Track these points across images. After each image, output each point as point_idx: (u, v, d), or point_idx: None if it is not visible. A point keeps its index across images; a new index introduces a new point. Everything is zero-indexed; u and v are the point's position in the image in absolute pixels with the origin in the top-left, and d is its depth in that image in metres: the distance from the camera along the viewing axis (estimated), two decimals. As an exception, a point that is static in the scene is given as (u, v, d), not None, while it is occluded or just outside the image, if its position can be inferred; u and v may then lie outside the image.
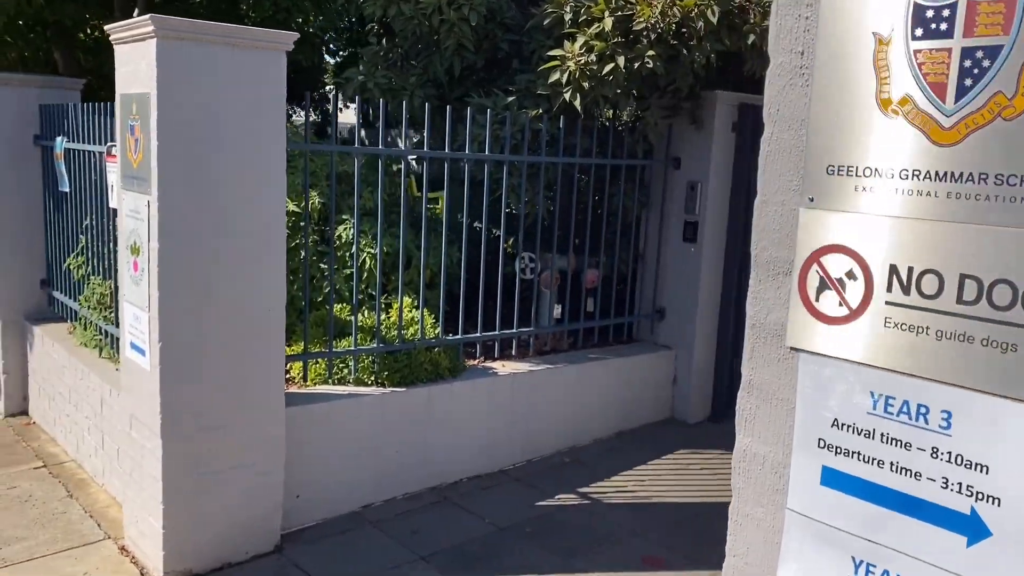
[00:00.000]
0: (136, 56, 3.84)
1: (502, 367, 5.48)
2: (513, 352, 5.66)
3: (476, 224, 5.36)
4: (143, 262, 3.91)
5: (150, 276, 3.86)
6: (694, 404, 6.32)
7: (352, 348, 4.80)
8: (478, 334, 5.41)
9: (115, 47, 4.06)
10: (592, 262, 6.08)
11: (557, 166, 5.62)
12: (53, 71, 8.25)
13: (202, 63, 3.76)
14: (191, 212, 3.83)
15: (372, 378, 4.88)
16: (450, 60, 5.65)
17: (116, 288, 5.24)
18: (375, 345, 4.88)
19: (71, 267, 5.91)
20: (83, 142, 5.68)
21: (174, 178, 3.77)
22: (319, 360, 4.80)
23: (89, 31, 8.72)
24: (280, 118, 4.04)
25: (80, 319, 5.89)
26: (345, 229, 5.50)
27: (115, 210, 5.08)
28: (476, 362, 5.53)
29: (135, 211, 3.97)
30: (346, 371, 4.90)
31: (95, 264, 5.66)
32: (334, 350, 4.76)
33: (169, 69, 3.68)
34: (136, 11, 8.36)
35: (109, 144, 5.06)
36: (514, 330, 5.63)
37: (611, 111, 6.02)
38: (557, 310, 6.02)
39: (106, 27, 4.07)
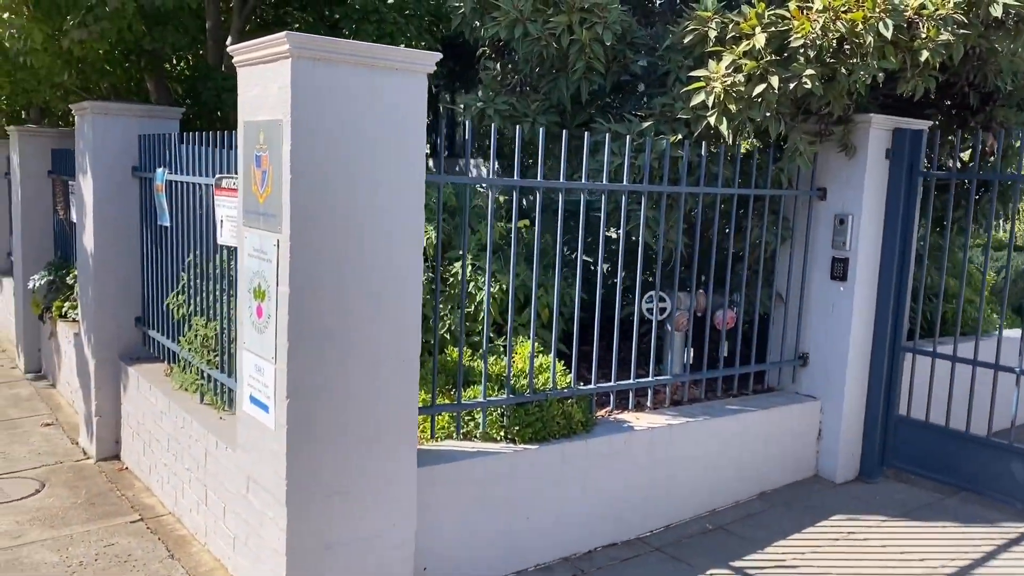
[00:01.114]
0: (266, 79, 3.45)
1: (636, 420, 4.95)
2: (649, 403, 5.12)
3: (579, 257, 4.86)
4: (269, 307, 3.50)
5: (277, 323, 3.44)
6: (842, 461, 5.68)
7: (482, 399, 4.32)
8: (612, 383, 4.89)
9: (240, 70, 3.69)
10: (726, 301, 5.53)
11: (698, 197, 5.10)
12: (144, 101, 8.06)
13: (338, 87, 3.36)
14: (324, 252, 3.41)
15: (501, 432, 4.39)
16: (577, 84, 5.20)
17: (222, 330, 4.87)
18: (505, 396, 4.39)
19: (171, 306, 5.57)
20: (187, 174, 5.36)
21: (308, 214, 3.35)
22: (443, 413, 4.33)
23: (181, 59, 8.52)
24: (420, 149, 3.61)
25: (179, 361, 5.54)
26: (462, 266, 5.05)
27: (224, 247, 4.72)
28: (605, 412, 5.01)
29: (260, 251, 3.56)
30: (471, 424, 4.43)
31: (197, 303, 5.31)
32: (463, 402, 4.29)
33: (304, 93, 3.28)
34: (229, 39, 8.14)
35: (218, 176, 4.71)
36: (650, 378, 5.10)
37: (747, 137, 5.48)
38: (688, 355, 5.47)
39: (231, 48, 3.71)
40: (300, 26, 7.49)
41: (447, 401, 4.34)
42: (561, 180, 4.45)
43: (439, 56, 3.60)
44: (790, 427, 5.59)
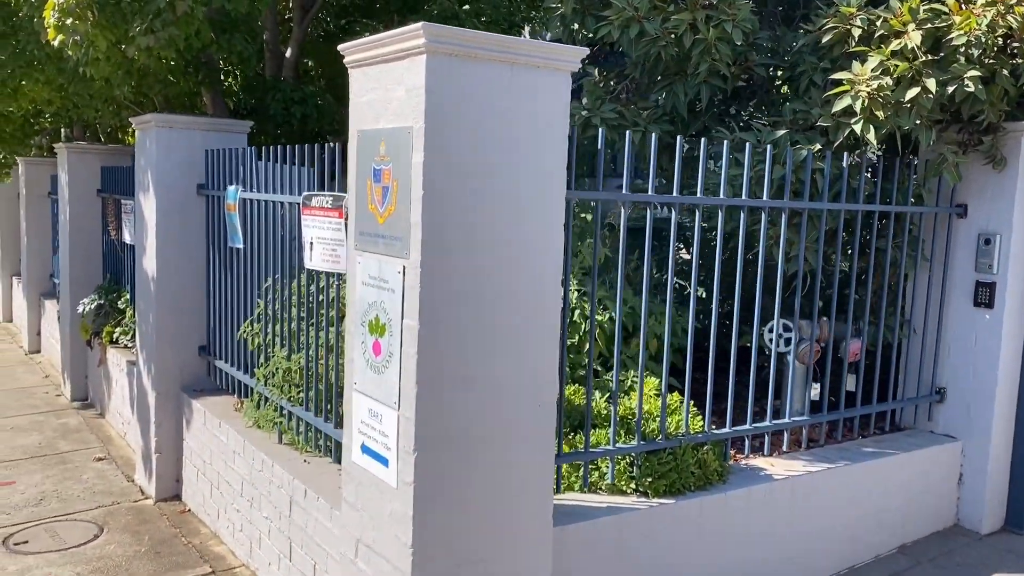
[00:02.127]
0: (389, 80, 2.96)
1: (771, 466, 4.39)
2: (784, 447, 4.56)
3: (694, 281, 4.28)
4: (390, 344, 2.99)
5: (403, 363, 2.93)
6: (988, 510, 5.07)
7: (610, 446, 3.78)
8: (748, 425, 4.33)
9: (352, 72, 3.20)
10: (852, 331, 4.96)
11: (839, 214, 4.56)
12: (201, 115, 7.65)
13: (475, 87, 2.87)
14: (459, 281, 2.91)
15: (632, 484, 3.85)
16: (697, 88, 4.68)
17: (307, 363, 4.38)
18: (635, 443, 3.86)
19: (245, 336, 5.09)
20: (266, 191, 4.90)
21: (441, 237, 2.85)
22: (568, 463, 3.80)
23: (233, 73, 8.11)
24: (562, 159, 3.11)
25: (253, 396, 5.06)
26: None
27: (315, 272, 4.24)
28: (735, 457, 4.46)
29: (379, 279, 3.07)
30: (595, 475, 3.89)
31: (276, 333, 4.82)
32: (591, 449, 3.75)
33: (439, 95, 2.79)
34: (289, 51, 7.72)
35: (307, 194, 4.24)
36: (786, 419, 4.55)
37: (882, 147, 4.94)
38: (814, 391, 4.90)
39: (342, 46, 3.23)
40: (369, 35, 7.05)
41: (568, 449, 3.80)
42: (699, 195, 3.93)
43: (586, 51, 3.09)
44: (929, 471, 5.00)
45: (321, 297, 4.33)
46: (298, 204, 4.45)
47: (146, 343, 5.96)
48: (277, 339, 4.83)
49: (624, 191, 3.68)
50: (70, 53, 5.12)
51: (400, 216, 2.92)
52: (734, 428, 4.24)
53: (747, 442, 4.38)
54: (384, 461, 3.06)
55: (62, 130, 11.84)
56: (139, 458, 6.22)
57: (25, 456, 6.85)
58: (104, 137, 10.84)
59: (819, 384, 4.95)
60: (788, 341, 4.75)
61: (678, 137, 3.81)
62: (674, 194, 3.83)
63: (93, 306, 7.85)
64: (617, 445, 3.82)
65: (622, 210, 3.72)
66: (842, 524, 4.54)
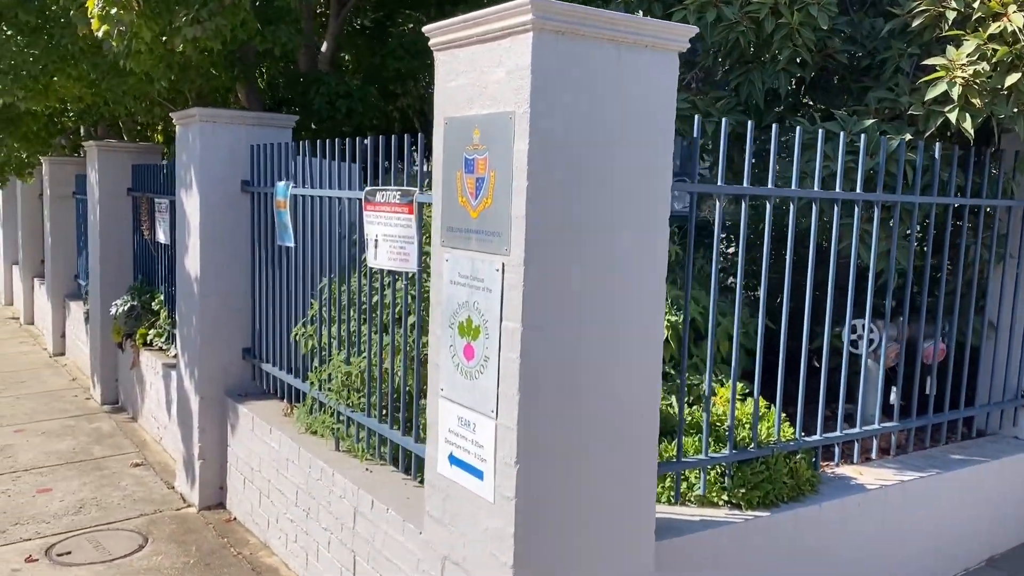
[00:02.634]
0: (485, 62, 2.74)
1: (860, 475, 4.14)
2: (873, 455, 4.31)
3: (764, 278, 4.00)
4: (486, 347, 2.77)
5: (501, 368, 2.70)
6: (1080, 519, 4.82)
7: (703, 456, 3.55)
8: (838, 432, 4.09)
9: (439, 55, 2.98)
10: (930, 331, 4.71)
11: (931, 207, 4.32)
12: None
13: (581, 68, 2.64)
14: (563, 278, 2.69)
15: (723, 496, 3.62)
16: (775, 77, 4.44)
17: (370, 366, 4.16)
18: (727, 451, 3.62)
19: (298, 338, 4.88)
20: (320, 187, 4.68)
21: (547, 232, 2.63)
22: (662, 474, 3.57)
23: (273, 65, 7.88)
24: (669, 148, 2.88)
25: (306, 400, 4.84)
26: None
27: (381, 271, 4.02)
28: (822, 466, 4.21)
29: (472, 277, 2.84)
30: (684, 486, 3.66)
31: (332, 335, 4.61)
32: (683, 459, 3.52)
33: (546, 76, 2.57)
34: (325, 44, 7.51)
35: (370, 188, 4.02)
36: (875, 426, 4.31)
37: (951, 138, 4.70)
38: (894, 395, 4.65)
39: (427, 27, 3.00)
40: (412, 26, 6.81)
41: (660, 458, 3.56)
42: (793, 187, 3.69)
43: (695, 30, 2.86)
44: (1017, 479, 4.75)
45: (386, 298, 4.11)
46: (358, 200, 4.24)
47: (188, 346, 5.75)
48: (333, 341, 4.62)
49: (720, 183, 3.44)
50: (113, 44, 4.91)
51: (498, 209, 2.70)
52: (824, 435, 3.99)
53: (837, 449, 4.14)
54: (478, 474, 2.84)
55: (81, 129, 11.68)
56: (180, 465, 6.02)
57: (60, 462, 6.66)
58: (127, 135, 10.65)
59: (895, 387, 4.70)
60: (867, 342, 4.51)
61: (773, 127, 3.57)
62: (769, 186, 3.59)
63: (126, 308, 7.66)
64: (711, 454, 3.58)
65: (717, 202, 3.48)
66: (931, 536, 4.30)
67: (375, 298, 4.22)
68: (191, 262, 5.62)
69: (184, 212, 5.73)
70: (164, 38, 5.20)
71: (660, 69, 2.80)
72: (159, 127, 9.04)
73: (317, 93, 6.14)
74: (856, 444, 4.22)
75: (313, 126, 6.12)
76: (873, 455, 4.35)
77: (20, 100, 7.35)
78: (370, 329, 4.19)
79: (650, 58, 2.77)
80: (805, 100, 4.80)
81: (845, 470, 4.19)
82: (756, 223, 5.09)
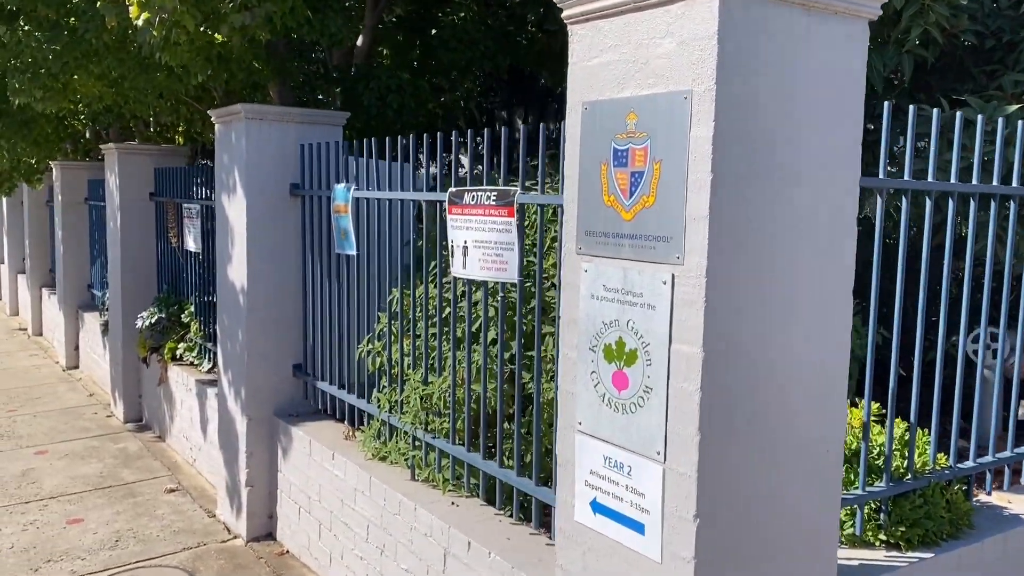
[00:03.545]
0: (646, 33, 2.28)
1: (1008, 504, 3.69)
2: (1007, 480, 3.85)
3: (874, 281, 3.49)
4: (646, 376, 2.31)
5: (671, 402, 2.25)
6: None
7: (861, 491, 3.09)
8: (990, 457, 3.63)
9: (577, 28, 2.53)
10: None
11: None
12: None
13: (769, 37, 2.19)
14: (745, 291, 2.23)
15: (880, 535, 3.16)
16: (898, 59, 3.98)
17: (455, 386, 3.71)
18: (884, 485, 3.16)
19: (363, 355, 4.41)
20: (386, 189, 4.23)
21: (732, 235, 2.17)
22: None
23: (310, 58, 7.40)
24: (857, 134, 2.42)
25: (373, 423, 4.39)
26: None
27: (470, 281, 3.56)
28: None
29: (623, 291, 2.38)
30: (828, 521, 3.19)
31: (407, 351, 4.15)
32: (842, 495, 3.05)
33: (731, 47, 2.11)
34: (361, 38, 7.04)
35: (455, 189, 3.57)
36: (1025, 448, 3.85)
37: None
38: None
39: (561, -3, 2.55)
40: (464, 16, 6.33)
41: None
42: (952, 180, 3.23)
43: (887, -5, 2.41)
44: None
45: (476, 311, 3.65)
46: (439, 202, 3.78)
47: (232, 363, 5.29)
48: (406, 359, 4.16)
49: (881, 175, 2.98)
50: (153, 33, 4.45)
51: (665, 209, 2.24)
52: (977, 461, 3.54)
53: (989, 476, 3.68)
54: (636, 526, 2.38)
55: (87, 133, 11.20)
56: (222, 491, 5.56)
57: (88, 488, 6.20)
58: (139, 138, 10.18)
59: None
60: (996, 353, 4.06)
61: (911, 108, 3.10)
62: (930, 180, 3.13)
63: (153, 320, 7.20)
64: (868, 489, 3.12)
65: (879, 199, 3.02)
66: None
67: (456, 310, 3.76)
68: (236, 272, 5.16)
69: (226, 218, 5.27)
70: (204, 28, 4.74)
71: (851, 41, 2.34)
72: (180, 128, 8.55)
73: (367, 88, 5.68)
74: (1007, 469, 3.76)
75: (371, 123, 5.66)
76: (1007, 480, 3.89)
77: (38, 101, 6.87)
78: (453, 345, 3.73)
79: (840, 28, 2.32)
80: (924, 83, 4.34)
81: (993, 498, 3.73)
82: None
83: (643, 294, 2.32)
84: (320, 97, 7.10)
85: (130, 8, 4.40)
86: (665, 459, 2.27)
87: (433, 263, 3.97)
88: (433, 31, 6.30)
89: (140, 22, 4.38)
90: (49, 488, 6.20)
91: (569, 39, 2.56)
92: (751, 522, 2.30)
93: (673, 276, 2.23)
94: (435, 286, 3.91)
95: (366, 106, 5.62)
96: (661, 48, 2.23)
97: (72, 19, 6.29)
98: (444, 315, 3.87)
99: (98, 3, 5.34)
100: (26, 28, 6.52)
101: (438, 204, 3.82)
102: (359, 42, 7.19)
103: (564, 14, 2.55)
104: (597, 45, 2.45)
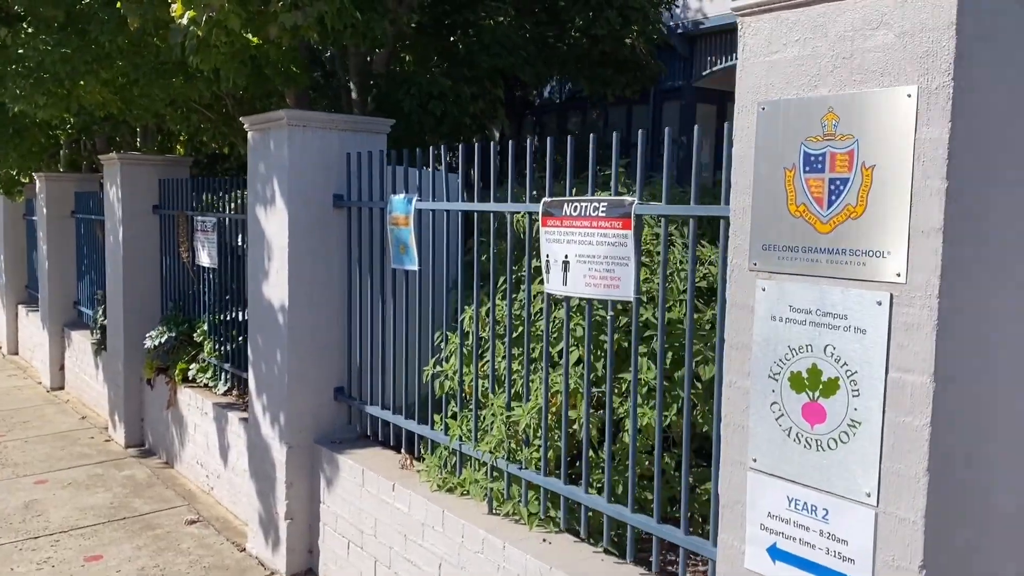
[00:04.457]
0: (852, 22, 2.04)
1: None
2: None
3: None
4: (852, 409, 2.05)
5: (886, 438, 1.99)
6: None
7: None
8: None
9: (752, 20, 2.27)
10: None
11: None
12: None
13: (1006, 25, 1.96)
14: (978, 311, 1.99)
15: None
16: None
17: (546, 414, 3.43)
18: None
19: (429, 378, 4.11)
20: (458, 200, 3.95)
21: (964, 247, 1.93)
22: None
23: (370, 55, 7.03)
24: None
25: (439, 452, 4.08)
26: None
27: (565, 298, 3.29)
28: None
29: (819, 312, 2.13)
30: None
31: (477, 375, 3.86)
32: None
33: (978, 36, 1.88)
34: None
35: (551, 200, 3.30)
36: None
37: None
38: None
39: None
40: (501, 21, 6.07)
41: None
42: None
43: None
44: None
45: (575, 331, 3.37)
46: (529, 214, 3.51)
47: (269, 386, 4.94)
48: (480, 382, 3.87)
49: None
50: (198, 33, 4.12)
51: (881, 220, 1.99)
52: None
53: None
54: (835, 576, 2.11)
55: (62, 143, 10.75)
56: (254, 524, 5.20)
57: (101, 520, 5.79)
58: (129, 149, 9.75)
59: None
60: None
61: None
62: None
63: (163, 339, 6.80)
64: None
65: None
66: None
67: (549, 330, 3.48)
68: (274, 290, 4.83)
69: (261, 232, 4.93)
70: (244, 30, 4.42)
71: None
72: (182, 138, 8.17)
73: (407, 94, 5.39)
74: None
75: (412, 131, 5.37)
76: None
77: (40, 108, 6.48)
78: (546, 367, 3.44)
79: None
80: None
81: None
82: None
83: (847, 316, 2.07)
84: (396, 98, 6.70)
85: (172, 6, 4.06)
86: (878, 502, 2.01)
87: (504, 279, 3.72)
88: (470, 34, 6.02)
89: (184, 20, 4.05)
90: (58, 521, 5.77)
91: (740, 33, 2.31)
92: (965, 568, 2.05)
93: (892, 296, 1.97)
94: (520, 303, 3.63)
95: (407, 112, 5.33)
96: (873, 41, 1.99)
97: (81, 22, 5.94)
98: (534, 333, 3.59)
99: (119, 3, 5.00)
100: (30, 30, 6.14)
101: (510, 216, 3.55)
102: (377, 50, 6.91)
103: (734, 5, 2.30)
104: (780, 39, 2.20)
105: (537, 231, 3.62)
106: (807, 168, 2.15)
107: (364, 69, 6.64)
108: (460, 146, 3.99)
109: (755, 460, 2.30)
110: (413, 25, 6.69)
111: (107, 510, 6.01)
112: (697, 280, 3.30)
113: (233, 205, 6.01)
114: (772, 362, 2.25)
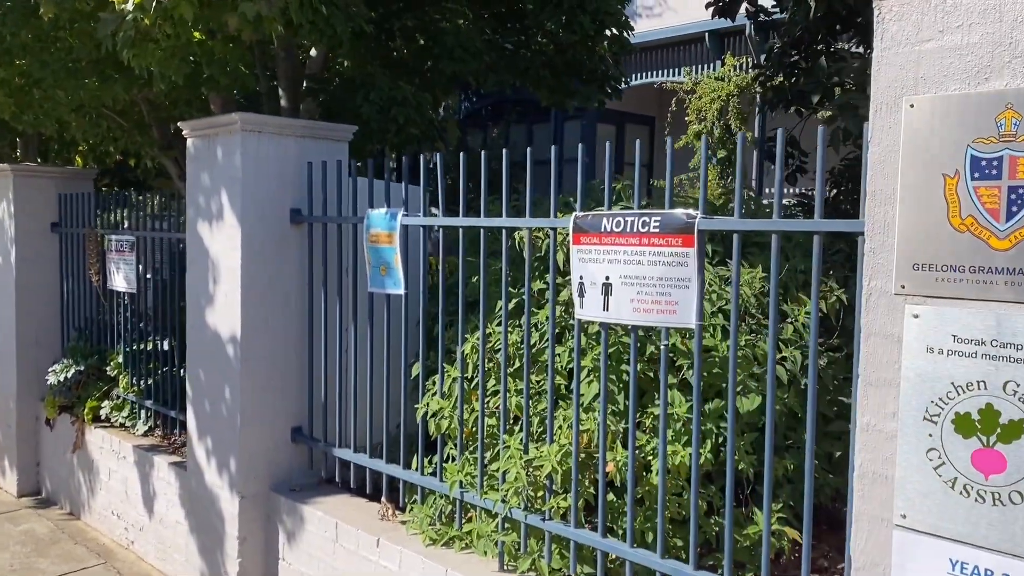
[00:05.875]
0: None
1: None
2: None
3: None
4: (1049, 457, 1.74)
5: (1099, 492, 1.68)
6: None
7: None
8: None
9: (891, 3, 1.95)
10: None
11: None
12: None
13: None
14: None
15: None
16: None
17: (576, 458, 3.02)
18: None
19: (428, 415, 3.62)
20: (458, 216, 3.50)
21: None
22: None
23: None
24: None
25: (434, 499, 3.60)
26: None
27: (604, 325, 2.91)
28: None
29: (993, 343, 1.82)
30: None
31: (483, 412, 3.40)
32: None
33: None
34: (314, 48, 6.21)
35: (582, 215, 2.92)
36: None
37: None
38: None
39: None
40: (460, 24, 5.62)
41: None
42: None
43: None
44: None
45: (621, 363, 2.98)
46: (554, 230, 3.10)
47: (213, 427, 4.33)
48: (488, 420, 3.41)
49: None
50: (145, 21, 3.53)
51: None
52: None
53: None
54: (1023, 655, 1.79)
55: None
56: (197, 587, 4.54)
57: (1, 588, 4.98)
58: (5, 159, 8.74)
59: None
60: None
61: None
62: None
63: (69, 374, 6.00)
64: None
65: None
66: None
67: (580, 362, 3.08)
68: (222, 317, 4.23)
69: (205, 251, 4.33)
70: (195, 21, 3.85)
71: None
72: (80, 148, 7.33)
73: (366, 99, 4.88)
74: None
75: (369, 139, 4.85)
76: None
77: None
78: (576, 405, 3.03)
79: None
80: None
81: None
82: None
83: (1034, 346, 1.76)
84: (355, 102, 6.06)
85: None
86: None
87: (512, 303, 3.31)
88: (418, 39, 5.56)
89: (129, 6, 3.45)
90: (-54, 592, 4.93)
91: (877, 19, 1.98)
92: None
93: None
94: (539, 331, 3.22)
95: (365, 119, 4.82)
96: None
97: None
98: (562, 365, 3.17)
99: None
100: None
101: (528, 232, 3.14)
102: (312, 52, 6.36)
103: (873, -13, 1.97)
104: (934, 24, 1.89)
105: (545, 249, 3.24)
106: (976, 174, 1.83)
107: (295, 74, 6.08)
108: (437, 155, 3.56)
109: (904, 516, 1.96)
110: (370, 25, 6.18)
111: (6, 573, 5.18)
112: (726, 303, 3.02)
113: (159, 223, 5.34)
114: (929, 402, 1.91)
